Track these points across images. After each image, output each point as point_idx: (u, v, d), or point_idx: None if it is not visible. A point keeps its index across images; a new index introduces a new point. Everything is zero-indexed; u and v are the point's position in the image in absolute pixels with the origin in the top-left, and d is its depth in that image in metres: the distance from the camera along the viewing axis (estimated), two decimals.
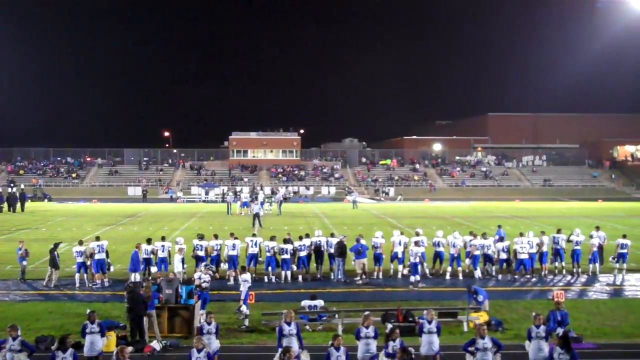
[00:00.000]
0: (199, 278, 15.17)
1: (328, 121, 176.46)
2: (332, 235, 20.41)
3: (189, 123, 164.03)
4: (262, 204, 39.03)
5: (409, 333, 12.66)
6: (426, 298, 16.93)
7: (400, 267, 19.89)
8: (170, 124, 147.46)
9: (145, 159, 78.38)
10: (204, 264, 16.37)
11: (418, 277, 18.30)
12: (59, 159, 76.75)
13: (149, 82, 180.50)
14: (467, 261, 19.93)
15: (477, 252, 19.71)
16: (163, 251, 19.04)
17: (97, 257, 18.55)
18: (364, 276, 19.08)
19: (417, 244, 19.22)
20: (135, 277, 14.40)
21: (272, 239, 19.61)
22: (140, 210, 47.46)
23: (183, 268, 18.81)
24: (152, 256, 19.00)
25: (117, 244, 25.55)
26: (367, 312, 11.59)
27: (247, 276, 15.10)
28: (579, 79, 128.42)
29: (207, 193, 62.03)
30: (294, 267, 19.40)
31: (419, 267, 18.72)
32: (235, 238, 19.69)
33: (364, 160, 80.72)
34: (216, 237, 20.06)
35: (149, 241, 19.31)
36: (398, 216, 41.76)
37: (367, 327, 10.42)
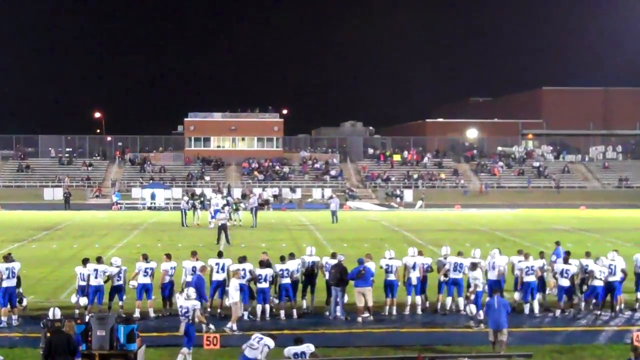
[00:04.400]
0: (183, 307, 15.43)
1: (321, 98, 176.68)
2: (333, 256, 20.37)
3: (129, 101, 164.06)
4: (216, 211, 39.11)
5: None
6: (455, 341, 16.93)
7: (418, 298, 20.01)
8: (103, 102, 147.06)
9: (68, 149, 78.35)
10: (190, 288, 16.43)
11: (481, 313, 18.30)
12: None
13: (73, 47, 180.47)
14: (517, 295, 19.90)
15: (530, 279, 19.75)
16: (96, 277, 19.02)
17: (4, 284, 18.45)
18: (366, 312, 19.15)
19: (474, 266, 19.25)
20: (55, 313, 14.32)
21: (242, 260, 19.57)
22: (62, 220, 47.27)
23: (121, 299, 18.90)
24: (89, 283, 19.02)
25: (30, 266, 25.40)
26: None
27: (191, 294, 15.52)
28: None
29: (153, 197, 61.96)
30: (275, 300, 19.39)
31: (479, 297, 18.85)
32: (197, 259, 19.70)
33: (371, 151, 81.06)
34: (169, 257, 20.01)
35: (84, 262, 19.29)
36: (418, 229, 41.77)
37: None
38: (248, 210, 45.27)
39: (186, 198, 47.68)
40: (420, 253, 20.65)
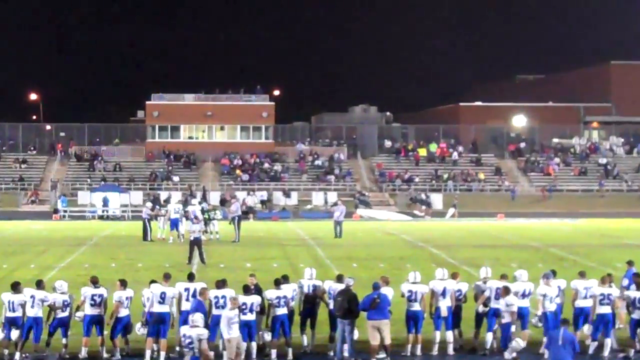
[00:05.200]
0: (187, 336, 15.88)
1: (324, 75, 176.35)
2: (339, 279, 20.30)
3: (74, 80, 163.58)
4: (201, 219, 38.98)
5: None
6: None
7: (450, 333, 19.97)
8: (41, 81, 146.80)
9: None
10: (196, 313, 16.50)
11: (514, 355, 18.37)
12: None
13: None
14: (586, 329, 19.82)
15: (605, 310, 19.71)
16: (33, 306, 18.96)
17: None
18: (382, 352, 19.13)
19: (506, 290, 19.40)
20: None
21: (220, 285, 19.47)
22: None
23: (65, 336, 18.79)
24: (19, 313, 18.95)
25: None
26: None
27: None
28: None
29: (106, 203, 62.00)
30: (266, 336, 19.33)
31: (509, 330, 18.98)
32: (169, 284, 19.65)
33: (388, 144, 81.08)
34: (123, 284, 19.78)
35: (15, 287, 19.22)
36: (449, 244, 41.75)
37: None
38: (229, 220, 45.21)
39: (149, 204, 47.73)
40: (453, 276, 20.66)
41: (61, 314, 19.13)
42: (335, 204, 53.47)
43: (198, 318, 16.31)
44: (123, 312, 19.45)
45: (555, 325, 18.51)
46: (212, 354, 17.07)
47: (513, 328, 19.12)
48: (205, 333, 16.29)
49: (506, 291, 19.33)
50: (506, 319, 19.14)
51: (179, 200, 52.14)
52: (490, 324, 19.88)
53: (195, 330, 16.05)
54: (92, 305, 19.29)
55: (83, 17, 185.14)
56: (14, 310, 18.88)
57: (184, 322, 19.45)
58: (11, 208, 63.90)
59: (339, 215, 47.12)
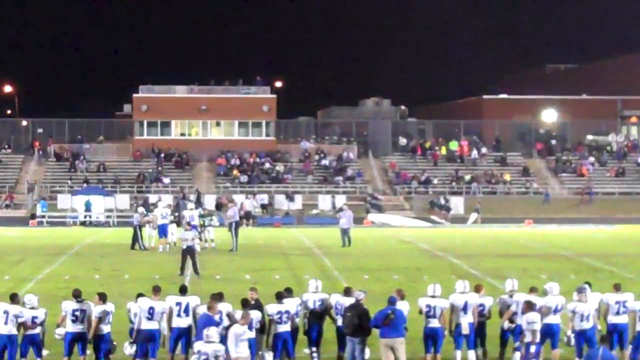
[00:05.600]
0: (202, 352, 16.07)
1: (332, 65, 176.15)
2: (347, 292, 20.45)
3: (53, 70, 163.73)
4: (193, 226, 39.04)
5: None
6: None
7: (472, 353, 20.03)
8: (16, 72, 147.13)
9: None
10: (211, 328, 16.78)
11: None
12: None
13: None
14: (629, 351, 19.95)
15: None
16: (6, 322, 19.10)
17: None
18: None
19: (529, 306, 19.33)
20: None
21: (217, 298, 19.64)
22: None
23: (39, 356, 18.88)
24: None
25: None
26: None
27: None
28: None
29: (88, 207, 62.11)
30: (267, 356, 19.44)
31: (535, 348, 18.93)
32: (158, 298, 19.78)
33: (403, 141, 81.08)
34: (102, 298, 19.89)
35: None
36: (471, 253, 41.76)
37: None
38: (227, 227, 45.34)
39: (141, 209, 47.58)
40: (475, 289, 20.69)
41: (31, 332, 19.07)
42: (340, 210, 53.49)
43: (213, 333, 16.53)
44: (104, 330, 19.55)
45: (592, 344, 18.68)
46: None
47: (533, 348, 18.95)
48: (222, 349, 16.49)
49: (529, 307, 19.25)
50: (528, 337, 19.04)
51: (168, 204, 52.07)
52: (517, 342, 20.02)
53: (211, 346, 16.25)
54: (73, 321, 19.24)
55: (63, 1, 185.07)
56: None
57: (176, 340, 19.74)
58: None
59: (345, 222, 46.94)
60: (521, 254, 42.17)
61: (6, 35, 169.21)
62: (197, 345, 16.68)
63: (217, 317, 18.97)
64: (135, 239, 43.64)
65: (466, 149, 78.36)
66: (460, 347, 19.97)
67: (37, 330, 19.18)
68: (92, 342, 19.40)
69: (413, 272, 34.28)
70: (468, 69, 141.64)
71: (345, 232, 46.41)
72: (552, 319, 20.00)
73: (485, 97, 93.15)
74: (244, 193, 67.19)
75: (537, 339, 19.07)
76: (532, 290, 20.54)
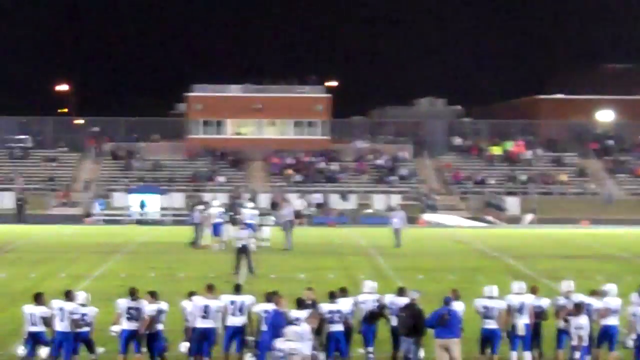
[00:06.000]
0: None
1: (386, 65, 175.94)
2: (400, 291, 20.40)
3: (107, 69, 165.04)
4: (250, 225, 39.24)
5: None
6: None
7: (528, 354, 19.89)
8: (71, 70, 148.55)
9: (21, 137, 78.90)
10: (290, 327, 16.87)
11: None
12: None
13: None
14: None
15: None
16: (62, 319, 19.22)
17: None
18: None
19: (578, 309, 19.25)
20: None
21: (271, 298, 19.63)
22: (13, 238, 47.91)
23: (94, 355, 19.00)
24: (42, 328, 19.21)
25: None
26: None
27: None
28: None
29: (143, 205, 62.47)
30: (320, 356, 19.40)
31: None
32: (214, 296, 19.84)
33: (458, 141, 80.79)
34: (153, 296, 19.93)
35: (37, 299, 19.50)
36: (527, 254, 41.64)
37: None
38: (281, 226, 45.53)
39: (201, 207, 47.45)
40: (531, 290, 20.61)
41: (80, 330, 19.14)
42: (392, 209, 53.41)
43: (291, 332, 16.45)
44: (158, 328, 19.59)
45: None
46: None
47: (577, 354, 18.86)
48: (299, 347, 16.28)
49: (577, 310, 19.18)
50: (574, 341, 19.01)
51: (222, 203, 52.17)
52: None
53: (290, 344, 16.07)
54: (128, 319, 19.40)
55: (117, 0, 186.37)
56: (34, 324, 19.01)
57: (230, 338, 19.74)
58: (40, 211, 64.61)
59: (397, 222, 46.91)
60: (577, 255, 42.02)
61: (62, 35, 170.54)
62: (278, 344, 16.32)
63: (291, 315, 18.95)
64: (196, 235, 44.05)
65: (521, 148, 77.93)
66: (516, 348, 19.88)
67: (86, 328, 19.23)
68: (145, 340, 19.64)
69: (468, 273, 34.27)
70: (524, 68, 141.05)
71: (396, 232, 46.38)
72: (610, 321, 19.82)
73: (540, 96, 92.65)
74: (298, 192, 67.50)
75: (584, 343, 18.99)
76: (594, 293, 20.35)
